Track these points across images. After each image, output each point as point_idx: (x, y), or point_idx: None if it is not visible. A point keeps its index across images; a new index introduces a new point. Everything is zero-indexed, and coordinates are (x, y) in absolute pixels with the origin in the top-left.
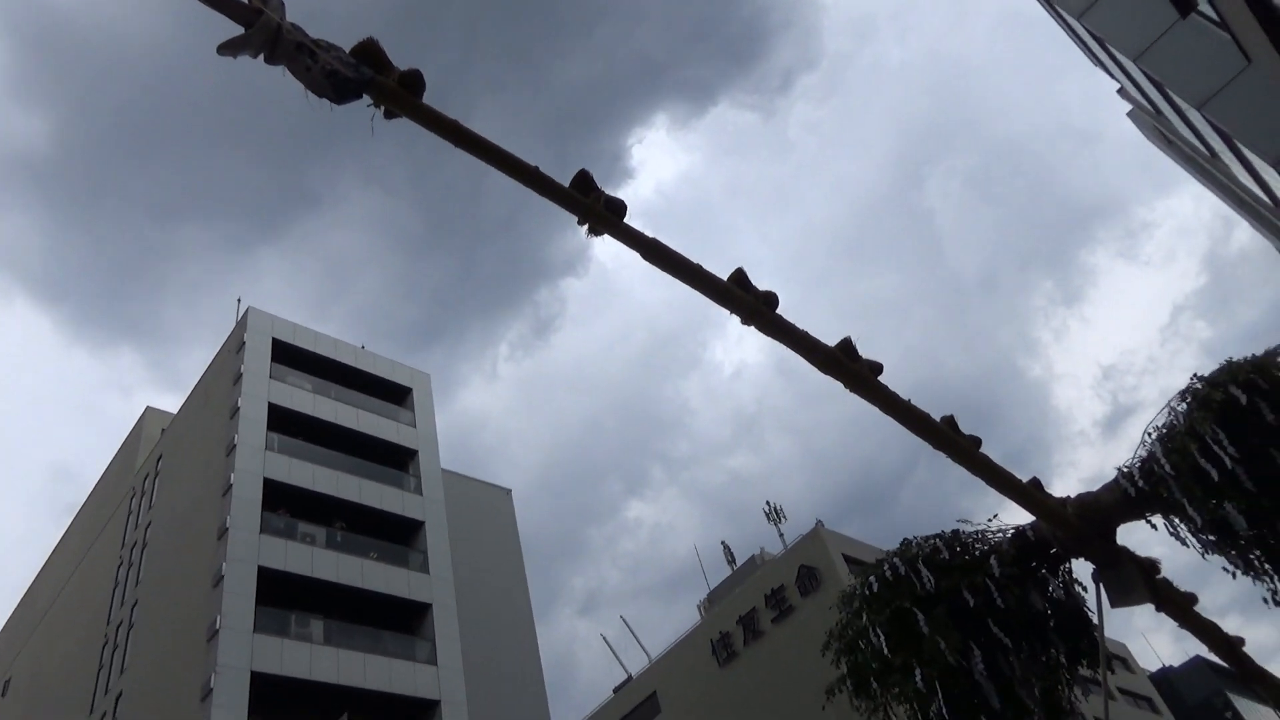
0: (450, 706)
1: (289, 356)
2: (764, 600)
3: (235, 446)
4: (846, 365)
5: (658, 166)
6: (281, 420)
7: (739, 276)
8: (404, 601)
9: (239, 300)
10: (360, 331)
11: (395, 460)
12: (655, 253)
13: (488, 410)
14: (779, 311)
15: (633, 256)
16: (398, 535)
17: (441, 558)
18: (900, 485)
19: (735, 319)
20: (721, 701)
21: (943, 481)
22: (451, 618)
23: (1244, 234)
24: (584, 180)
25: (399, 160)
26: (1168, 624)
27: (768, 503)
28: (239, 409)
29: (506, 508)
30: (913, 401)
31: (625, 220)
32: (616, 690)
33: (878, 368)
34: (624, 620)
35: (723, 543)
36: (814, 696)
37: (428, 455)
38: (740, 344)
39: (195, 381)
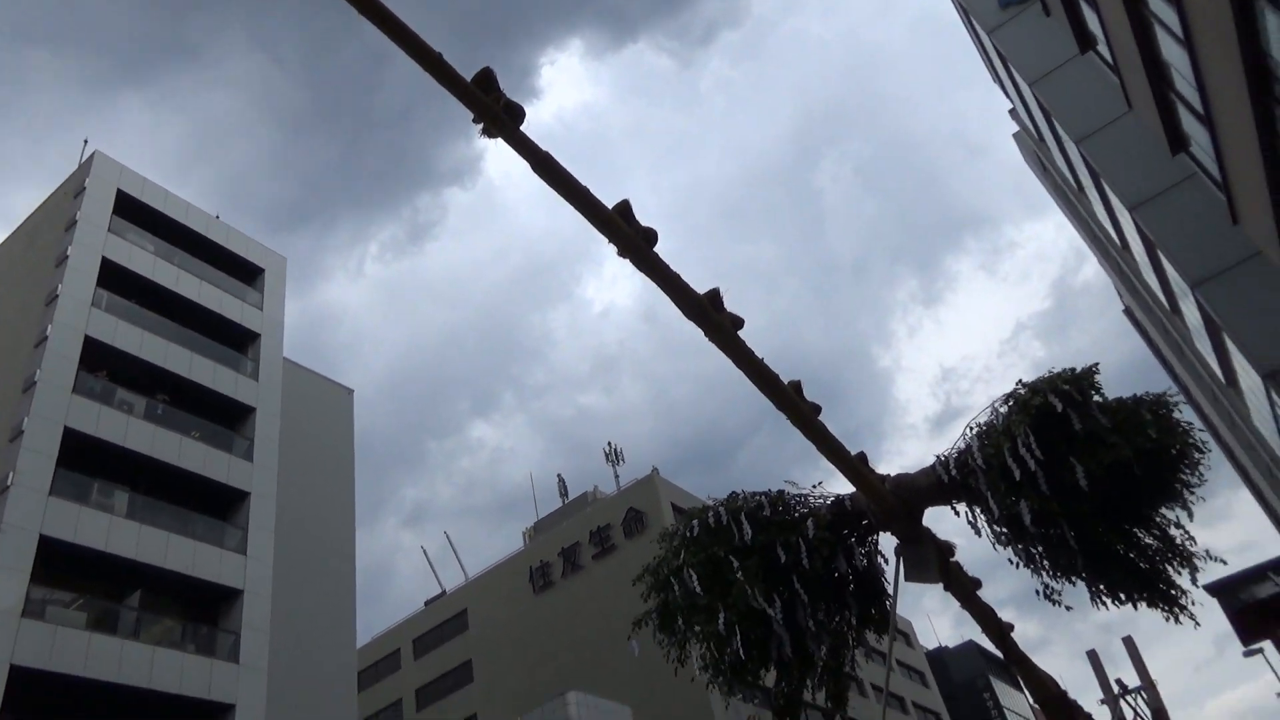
0: (253, 597)
1: (133, 213)
2: (589, 536)
3: (57, 297)
4: (710, 314)
5: (564, 93)
6: (114, 278)
7: (623, 208)
8: (221, 486)
9: (85, 142)
10: (220, 202)
11: (235, 341)
12: (546, 168)
13: (346, 307)
14: (656, 250)
15: (521, 178)
16: (225, 418)
17: (268, 447)
18: (740, 447)
19: (612, 257)
20: (532, 626)
21: (780, 450)
22: (269, 509)
23: (1091, 269)
24: (487, 78)
25: (294, 30)
26: (951, 609)
27: (609, 443)
28: (67, 258)
29: (345, 407)
30: (765, 362)
31: (522, 130)
32: (428, 603)
33: (739, 322)
34: (447, 537)
35: (559, 475)
36: (622, 632)
37: (270, 341)
38: (613, 285)
39: (22, 220)
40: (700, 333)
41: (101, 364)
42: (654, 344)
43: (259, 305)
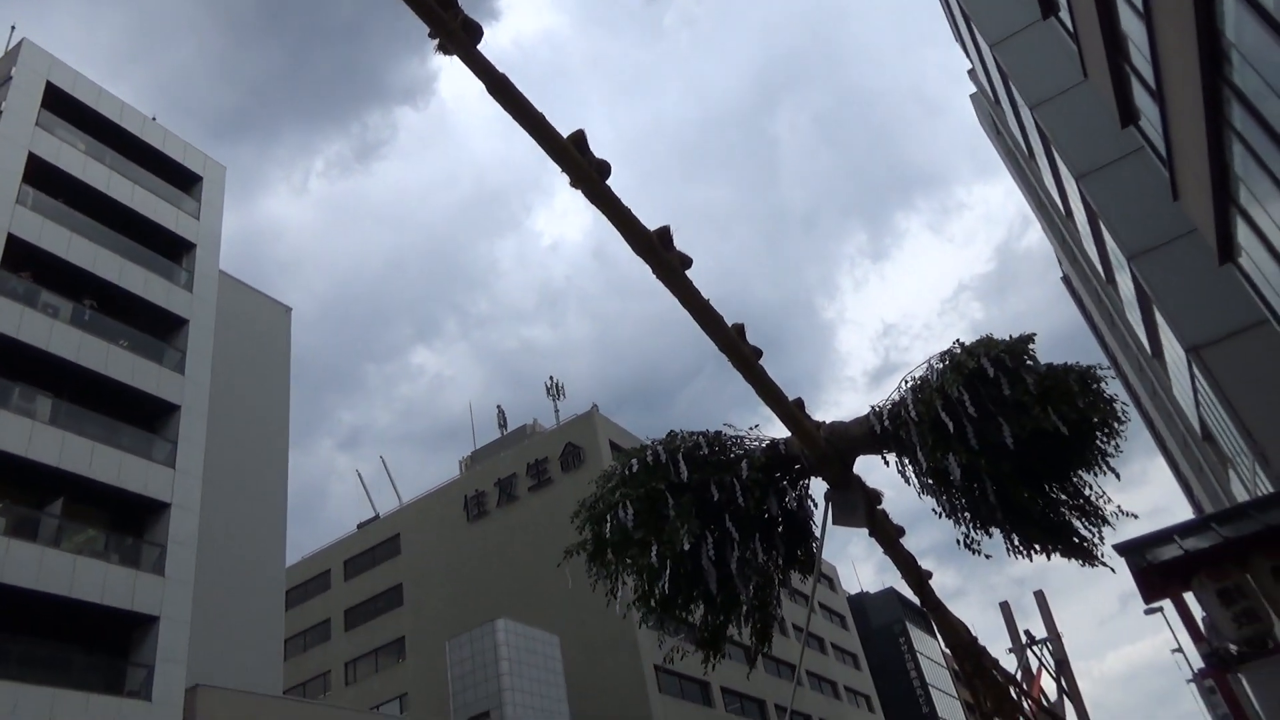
0: (181, 511)
1: (63, 108)
2: (526, 468)
3: None
4: (659, 252)
5: (524, 17)
6: (41, 176)
7: (578, 138)
8: (151, 398)
9: (13, 29)
10: (158, 105)
11: (169, 250)
12: (502, 90)
13: (287, 223)
14: (608, 184)
15: (476, 102)
16: (157, 329)
17: (201, 361)
18: (680, 389)
19: (564, 190)
20: (464, 554)
21: (720, 394)
22: (200, 423)
23: (1035, 235)
24: None
25: None
26: (875, 557)
27: (551, 378)
28: None
29: (283, 326)
30: (711, 304)
31: (479, 49)
32: (361, 526)
33: (687, 261)
34: (383, 461)
35: (498, 406)
36: (554, 564)
37: (207, 252)
38: (564, 219)
39: None
40: (648, 272)
41: (25, 264)
42: (602, 281)
43: (195, 214)
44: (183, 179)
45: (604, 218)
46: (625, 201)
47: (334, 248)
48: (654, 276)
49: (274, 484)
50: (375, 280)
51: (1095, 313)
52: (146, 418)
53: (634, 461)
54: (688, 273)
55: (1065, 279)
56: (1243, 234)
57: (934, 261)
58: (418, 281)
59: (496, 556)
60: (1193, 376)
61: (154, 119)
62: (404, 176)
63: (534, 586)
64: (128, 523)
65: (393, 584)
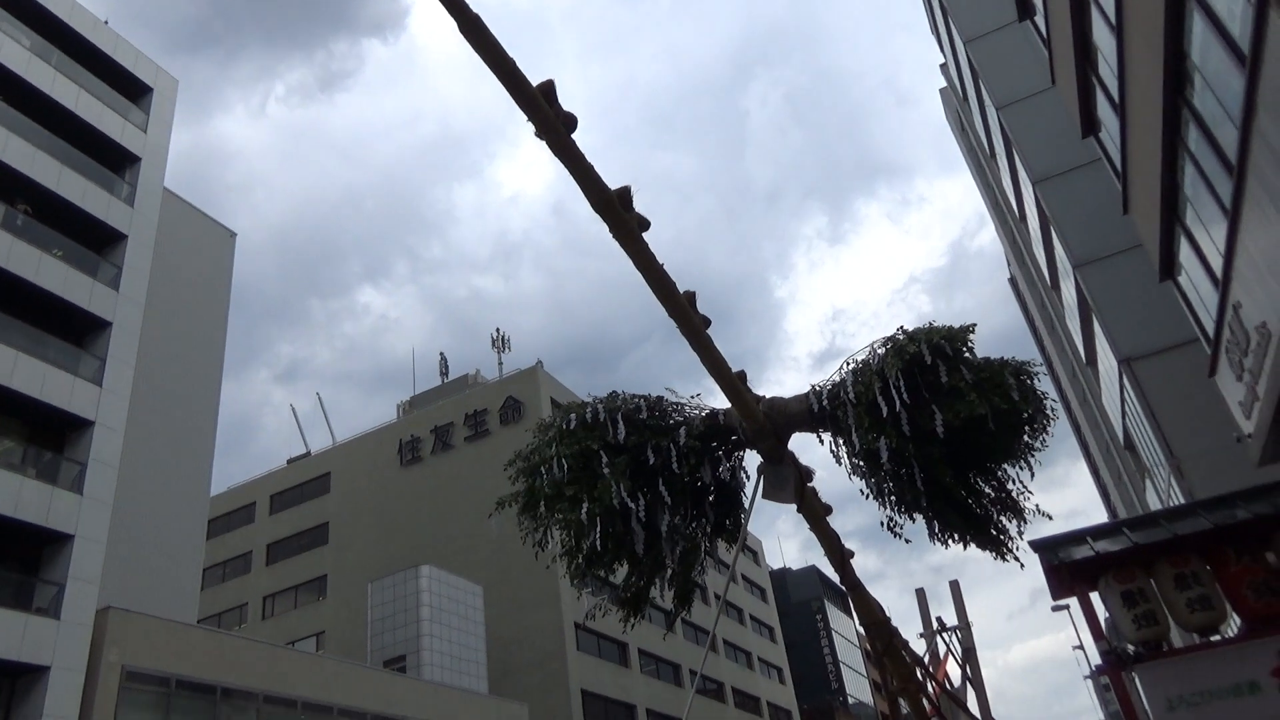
0: (104, 430)
1: (8, 1)
2: (464, 418)
3: None
4: (618, 211)
5: None
6: None
7: (547, 88)
8: (82, 312)
9: None
10: (113, 8)
11: (112, 162)
12: (474, 30)
13: (241, 146)
14: (574, 138)
15: (447, 42)
16: (94, 242)
17: (137, 279)
18: (627, 354)
19: (529, 142)
20: (394, 498)
21: (666, 362)
22: (131, 343)
23: (988, 235)
24: None
25: None
26: (800, 535)
27: (497, 330)
28: None
29: (226, 250)
30: (665, 269)
31: None
32: (291, 461)
33: (645, 224)
34: (319, 398)
35: (441, 354)
36: (484, 515)
37: (152, 167)
38: (526, 172)
39: None
40: (606, 231)
41: None
42: (559, 238)
43: (143, 127)
44: (132, 89)
45: (566, 172)
46: (590, 159)
47: (288, 177)
48: (611, 236)
49: (204, 411)
50: (327, 214)
51: (1037, 316)
52: (76, 332)
53: (573, 417)
54: (645, 235)
55: (1012, 281)
56: (1185, 253)
57: (889, 251)
58: (371, 220)
59: (427, 504)
60: (1122, 387)
61: (106, 22)
62: (367, 111)
63: (462, 537)
64: (48, 438)
65: (319, 522)
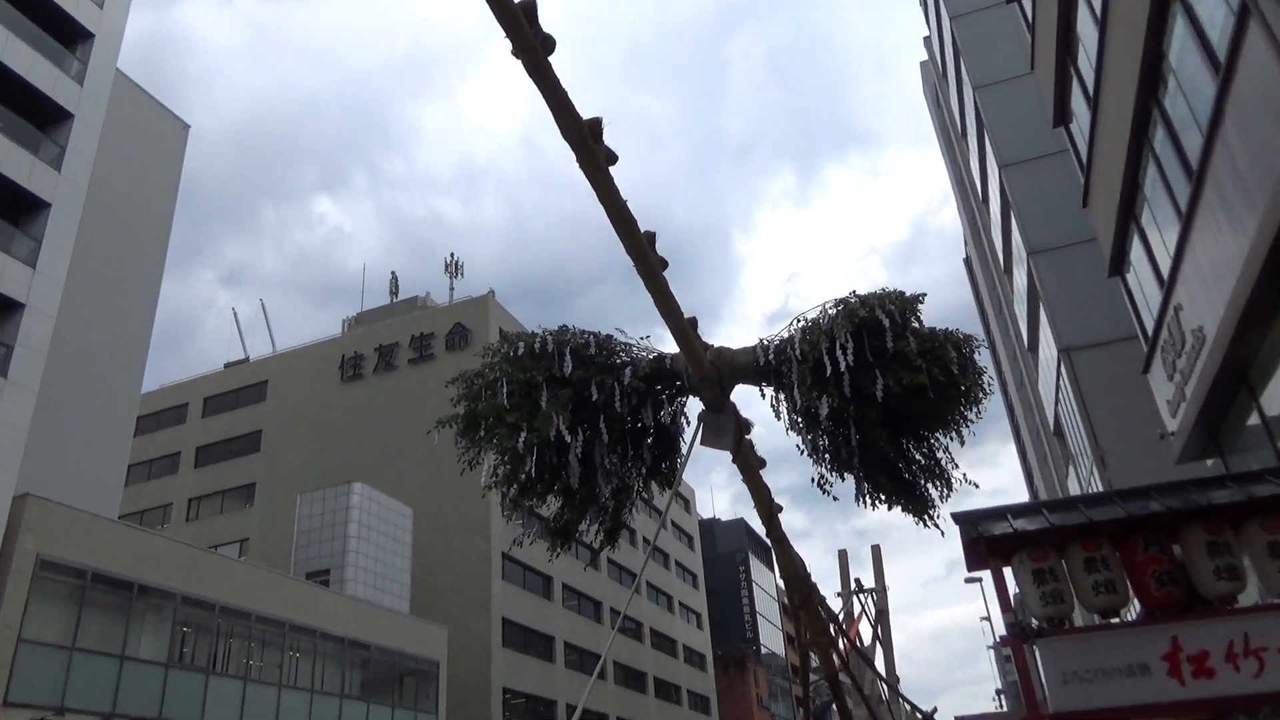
0: (35, 314)
1: None
2: (410, 340)
3: None
4: (587, 141)
5: None
6: None
7: (529, 5)
8: (19, 189)
9: None
10: None
11: (63, 36)
12: None
13: (206, 36)
14: (550, 61)
15: None
16: (38, 118)
17: (81, 161)
18: (581, 293)
19: (502, 69)
20: (331, 413)
21: (619, 306)
22: (70, 226)
23: (950, 214)
24: None
25: None
26: (733, 488)
27: (452, 254)
28: None
29: (177, 142)
30: (628, 206)
31: None
32: (228, 365)
33: (613, 158)
34: (263, 305)
35: (393, 273)
36: (421, 439)
37: (105, 46)
38: (499, 98)
39: None
40: (573, 168)
41: None
42: (524, 170)
43: (99, 3)
44: None
45: (539, 103)
46: (564, 87)
47: (251, 74)
48: (577, 167)
49: (142, 305)
50: (289, 117)
51: (987, 299)
52: (11, 209)
53: (520, 345)
54: (611, 171)
55: (967, 261)
56: (1136, 252)
57: (852, 219)
58: (334, 128)
59: (364, 422)
60: (1059, 375)
61: None
62: (341, 15)
63: (396, 458)
64: None
65: (252, 430)
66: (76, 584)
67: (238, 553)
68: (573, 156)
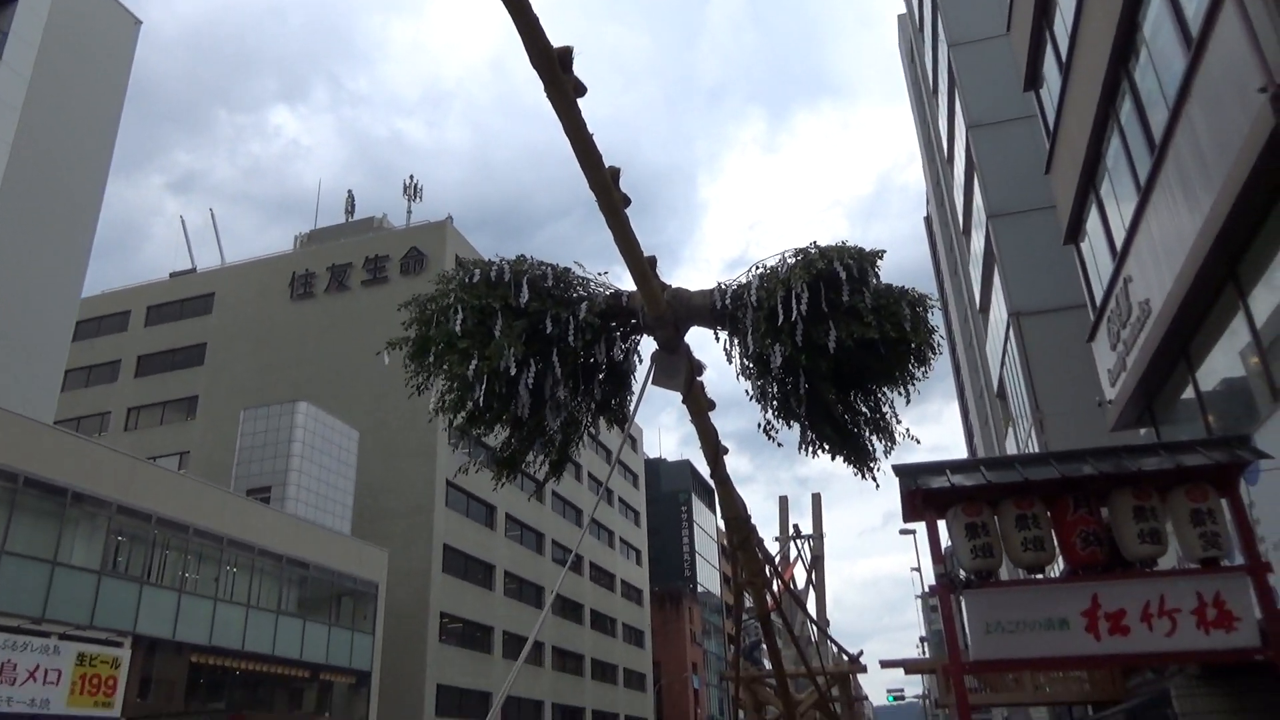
0: None
1: None
2: (364, 261)
3: None
4: (556, 70)
5: None
6: None
7: None
8: None
9: None
10: None
11: None
12: None
13: None
14: None
15: None
16: None
17: (24, 50)
18: (543, 227)
19: None
20: (279, 331)
21: (580, 243)
22: (10, 118)
23: (915, 172)
24: None
25: None
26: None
27: (411, 176)
28: None
29: (128, 38)
30: (594, 139)
31: None
32: (174, 275)
33: (582, 89)
34: (212, 214)
35: (349, 191)
36: (370, 362)
37: None
38: (470, 18)
39: None
40: (542, 100)
41: None
42: (493, 95)
43: None
44: None
45: (510, 29)
46: (536, 12)
47: None
48: (545, 95)
49: (85, 206)
50: (249, 20)
51: (944, 259)
52: None
53: (477, 271)
54: (580, 103)
55: (927, 220)
56: (1092, 221)
57: (819, 170)
58: (296, 37)
59: (313, 341)
60: (1006, 339)
61: None
62: None
63: (344, 380)
64: None
65: (196, 342)
66: (7, 487)
67: (177, 465)
68: (542, 85)
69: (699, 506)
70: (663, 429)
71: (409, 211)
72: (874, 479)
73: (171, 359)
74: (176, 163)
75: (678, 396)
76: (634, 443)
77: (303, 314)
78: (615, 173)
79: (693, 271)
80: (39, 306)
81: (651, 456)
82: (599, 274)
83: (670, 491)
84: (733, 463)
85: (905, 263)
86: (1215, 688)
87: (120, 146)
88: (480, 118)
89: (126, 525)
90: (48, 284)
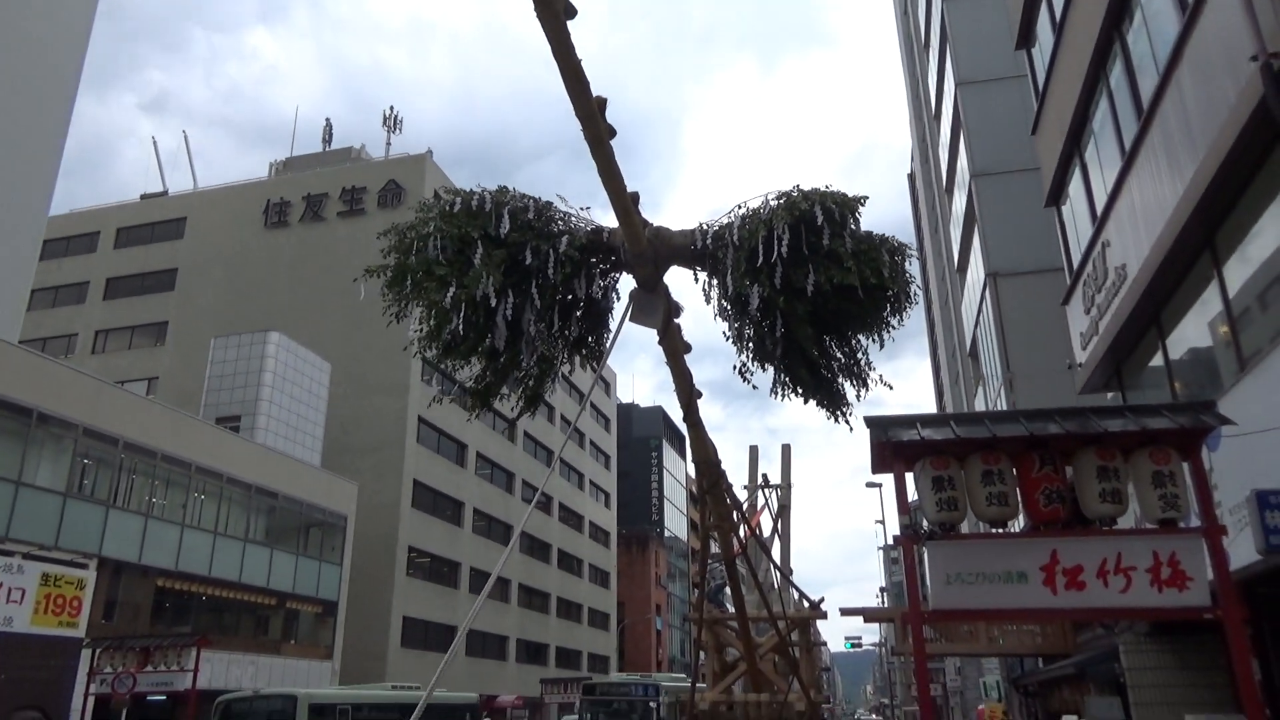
0: None
1: None
2: (341, 191)
3: None
4: None
5: None
6: None
7: None
8: None
9: None
10: None
11: None
12: None
13: None
14: None
15: None
16: None
17: None
18: (525, 166)
19: None
20: (252, 259)
21: (563, 183)
22: None
23: (903, 131)
24: None
25: None
26: (656, 377)
27: (391, 107)
28: None
29: None
30: (582, 67)
31: None
32: (145, 197)
33: (572, 11)
34: (186, 137)
35: (328, 119)
36: (345, 292)
37: None
38: None
39: None
40: (532, 30)
41: None
42: (479, 26)
43: None
44: None
45: None
46: None
47: None
48: (535, 14)
49: (53, 120)
50: None
51: (925, 216)
52: None
53: (458, 200)
54: (570, 27)
55: (911, 177)
56: (1075, 185)
57: (806, 121)
58: None
59: (286, 271)
60: (982, 299)
61: None
62: None
63: (318, 312)
64: None
65: (167, 267)
66: None
67: (145, 391)
68: (531, 8)
69: (669, 453)
70: (637, 374)
71: (388, 144)
72: (847, 422)
73: (141, 283)
74: (150, 82)
75: (653, 340)
76: (607, 387)
77: (276, 243)
78: (602, 102)
79: (672, 217)
80: (4, 222)
81: (624, 401)
82: (581, 209)
83: (642, 437)
84: (705, 411)
85: (886, 217)
86: (1161, 645)
87: (91, 62)
88: (466, 50)
89: (93, 448)
90: (13, 200)
